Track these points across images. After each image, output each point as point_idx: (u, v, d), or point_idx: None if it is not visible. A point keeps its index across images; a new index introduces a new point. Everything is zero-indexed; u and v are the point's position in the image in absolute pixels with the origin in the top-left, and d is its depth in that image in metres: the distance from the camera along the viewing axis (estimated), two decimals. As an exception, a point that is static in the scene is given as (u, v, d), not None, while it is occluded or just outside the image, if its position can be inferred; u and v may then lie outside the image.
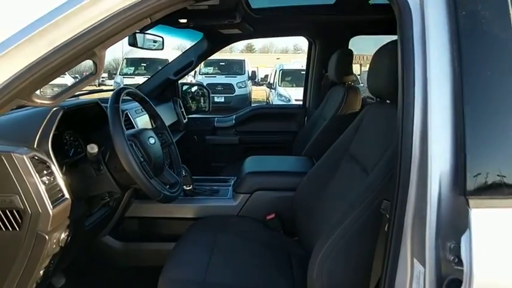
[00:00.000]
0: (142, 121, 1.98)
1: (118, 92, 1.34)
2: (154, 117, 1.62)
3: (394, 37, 1.14)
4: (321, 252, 1.15)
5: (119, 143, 1.20)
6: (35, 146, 1.17)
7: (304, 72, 9.93)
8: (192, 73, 14.72)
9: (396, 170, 0.94)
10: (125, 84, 2.86)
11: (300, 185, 1.72)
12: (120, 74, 14.04)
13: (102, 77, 20.16)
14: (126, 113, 1.81)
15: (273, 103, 11.17)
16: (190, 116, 2.98)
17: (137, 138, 1.35)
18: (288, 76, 11.97)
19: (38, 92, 1.04)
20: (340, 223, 1.14)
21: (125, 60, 15.18)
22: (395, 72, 1.21)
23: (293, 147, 2.81)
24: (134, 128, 1.83)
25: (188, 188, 1.89)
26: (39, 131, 1.19)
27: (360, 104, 2.23)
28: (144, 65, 13.86)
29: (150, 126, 1.97)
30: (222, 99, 11.42)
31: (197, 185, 1.98)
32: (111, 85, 13.82)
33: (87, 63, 1.14)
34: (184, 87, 3.09)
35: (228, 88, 11.74)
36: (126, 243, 1.91)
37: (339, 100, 2.23)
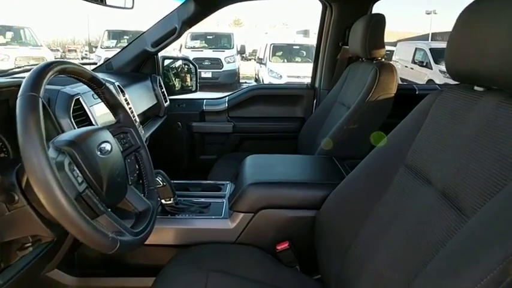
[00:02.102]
0: (104, 111, 1.42)
1: (41, 70, 0.77)
2: (114, 107, 1.06)
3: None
4: None
5: (30, 161, 0.66)
6: None
7: (297, 47, 9.44)
8: (178, 47, 14.02)
9: None
10: (106, 59, 2.26)
11: (327, 203, 1.21)
12: (101, 47, 13.31)
13: (86, 51, 19.24)
14: (78, 99, 1.25)
15: (263, 79, 10.63)
16: (172, 97, 2.42)
17: (76, 148, 0.80)
18: (279, 51, 11.40)
19: None
20: None
21: (106, 32, 14.38)
22: (498, 42, 0.71)
23: (299, 137, 2.29)
24: (91, 123, 1.27)
25: (168, 203, 1.36)
26: None
27: (396, 87, 1.70)
28: (127, 37, 13.20)
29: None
30: (210, 75, 11.03)
31: (180, 195, 1.45)
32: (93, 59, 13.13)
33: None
34: (166, 62, 2.51)
35: (215, 63, 11.28)
36: (83, 278, 1.40)
37: (369, 81, 1.69)
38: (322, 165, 1.56)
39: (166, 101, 2.26)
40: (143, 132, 1.67)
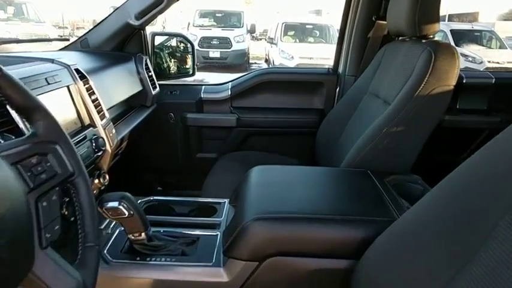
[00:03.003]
0: (56, 108, 0.99)
1: None
2: (25, 111, 0.63)
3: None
4: None
5: None
6: None
7: (310, 27, 8.76)
8: (186, 25, 13.45)
9: None
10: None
11: (371, 251, 0.81)
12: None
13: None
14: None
15: (274, 60, 10.10)
16: (163, 82, 1.99)
17: None
18: (291, 30, 10.83)
19: None
20: None
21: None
22: None
23: (318, 135, 1.85)
24: (20, 131, 0.83)
25: (138, 239, 0.95)
26: None
27: (457, 77, 1.25)
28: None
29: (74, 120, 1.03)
30: (218, 55, 10.58)
31: (156, 223, 1.05)
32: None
33: None
34: (158, 40, 2.08)
35: (224, 42, 10.79)
36: None
37: (420, 68, 1.24)
38: (357, 186, 1.12)
39: (155, 88, 1.84)
40: (114, 132, 1.25)
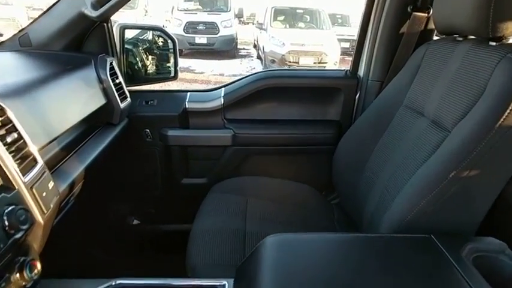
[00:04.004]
0: None
1: None
2: None
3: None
4: None
5: None
6: None
7: (300, 11, 8.17)
8: (170, 9, 12.75)
9: None
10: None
11: None
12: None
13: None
14: None
15: (264, 47, 9.60)
16: (136, 88, 1.57)
17: None
18: (281, 15, 10.35)
19: None
20: None
21: None
22: None
23: (336, 154, 1.44)
24: None
25: None
26: None
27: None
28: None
29: None
30: (205, 41, 10.13)
31: None
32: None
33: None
34: (129, 34, 1.64)
35: (211, 27, 10.31)
36: None
37: (502, 84, 0.84)
38: (425, 270, 0.72)
39: (125, 98, 1.41)
40: (51, 186, 0.83)
